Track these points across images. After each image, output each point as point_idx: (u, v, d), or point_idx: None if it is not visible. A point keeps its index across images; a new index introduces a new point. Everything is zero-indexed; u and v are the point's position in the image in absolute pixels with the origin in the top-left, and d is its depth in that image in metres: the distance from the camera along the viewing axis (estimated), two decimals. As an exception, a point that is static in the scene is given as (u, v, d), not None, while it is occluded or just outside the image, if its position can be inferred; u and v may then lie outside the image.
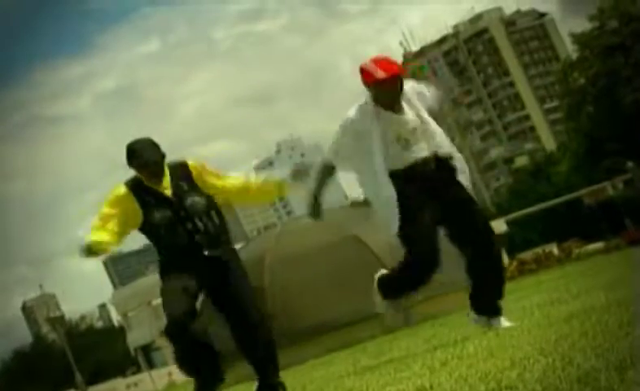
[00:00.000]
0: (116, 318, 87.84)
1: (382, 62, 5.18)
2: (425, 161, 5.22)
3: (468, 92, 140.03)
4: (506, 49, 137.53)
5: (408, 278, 5.33)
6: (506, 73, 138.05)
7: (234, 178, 5.60)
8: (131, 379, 48.95)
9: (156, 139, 5.45)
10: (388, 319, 5.58)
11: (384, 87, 5.14)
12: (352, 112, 5.27)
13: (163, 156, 5.39)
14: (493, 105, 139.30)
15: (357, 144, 5.23)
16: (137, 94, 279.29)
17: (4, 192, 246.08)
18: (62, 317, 47.42)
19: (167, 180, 5.37)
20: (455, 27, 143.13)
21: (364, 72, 5.19)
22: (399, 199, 5.14)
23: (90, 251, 5.37)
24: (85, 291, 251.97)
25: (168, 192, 5.35)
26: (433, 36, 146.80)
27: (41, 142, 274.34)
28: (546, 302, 6.76)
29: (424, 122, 5.27)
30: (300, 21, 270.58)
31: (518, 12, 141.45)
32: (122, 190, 5.39)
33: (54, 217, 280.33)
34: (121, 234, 5.42)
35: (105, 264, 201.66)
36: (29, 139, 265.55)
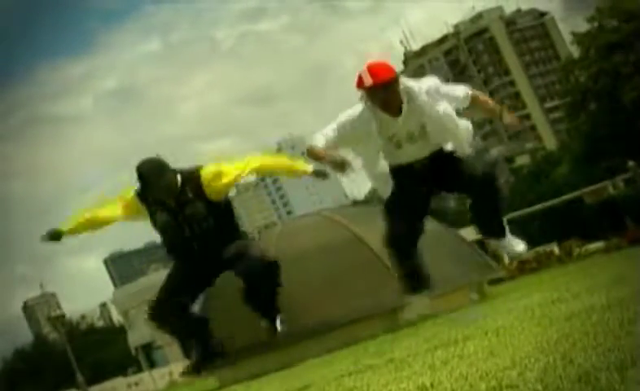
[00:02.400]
0: (116, 317, 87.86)
1: (375, 67, 5.29)
2: (417, 161, 5.48)
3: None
4: (506, 48, 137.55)
5: (391, 258, 5.93)
6: (507, 72, 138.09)
7: (254, 162, 5.85)
8: (132, 378, 49.00)
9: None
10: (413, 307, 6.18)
11: (375, 92, 5.29)
12: (353, 110, 5.45)
13: (174, 176, 5.54)
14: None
15: (356, 134, 5.44)
16: (138, 94, 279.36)
17: (5, 192, 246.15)
18: (63, 316, 47.40)
19: (175, 192, 5.60)
20: (456, 26, 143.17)
21: (358, 77, 5.33)
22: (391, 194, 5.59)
23: (52, 236, 5.79)
24: (85, 290, 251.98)
25: (172, 200, 5.48)
26: (434, 35, 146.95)
27: (42, 141, 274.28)
28: (547, 301, 6.77)
29: (427, 123, 5.39)
30: (302, 20, 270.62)
31: (518, 11, 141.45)
32: (130, 193, 5.68)
33: (55, 217, 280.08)
34: (105, 220, 5.79)
35: (106, 263, 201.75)
36: (30, 139, 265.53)
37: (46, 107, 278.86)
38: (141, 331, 55.02)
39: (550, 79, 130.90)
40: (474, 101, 5.61)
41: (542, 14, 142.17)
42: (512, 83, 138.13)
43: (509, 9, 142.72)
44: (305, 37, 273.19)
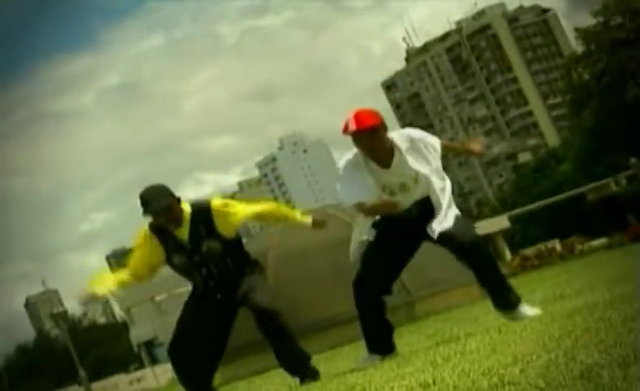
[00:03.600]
0: (118, 313, 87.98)
1: (360, 114, 5.38)
2: (409, 209, 5.50)
3: (471, 88, 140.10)
4: (509, 45, 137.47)
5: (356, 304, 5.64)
6: (509, 69, 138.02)
7: (257, 206, 5.80)
8: (134, 374, 49.08)
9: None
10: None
11: (359, 139, 5.39)
12: (345, 158, 5.57)
13: (174, 201, 5.51)
14: (496, 101, 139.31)
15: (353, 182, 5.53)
16: (141, 90, 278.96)
17: (7, 188, 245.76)
18: (65, 313, 47.39)
19: (186, 223, 5.54)
20: (458, 23, 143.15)
21: (345, 123, 5.40)
22: (373, 241, 5.58)
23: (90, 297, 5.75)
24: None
25: (185, 237, 5.54)
26: (437, 32, 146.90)
27: (44, 138, 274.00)
28: (549, 298, 6.78)
29: (417, 175, 5.46)
30: (305, 16, 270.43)
31: (521, 8, 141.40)
32: (145, 231, 5.65)
33: (57, 213, 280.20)
34: (139, 272, 5.70)
35: (108, 259, 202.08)
36: (32, 135, 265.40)
37: (48, 104, 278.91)
38: (143, 328, 55.02)
39: (552, 76, 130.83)
40: (445, 148, 5.72)
41: (545, 10, 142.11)
42: (515, 80, 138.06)
43: (511, 6, 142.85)
44: (309, 34, 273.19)
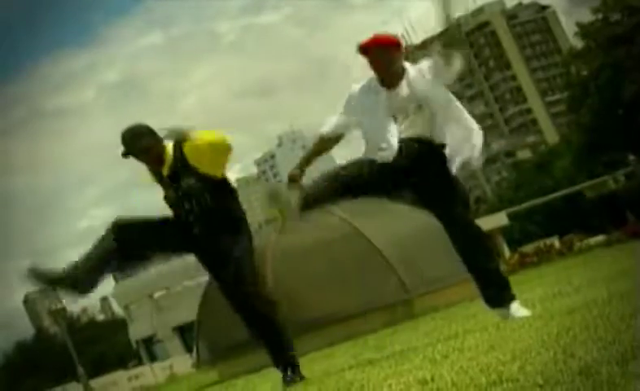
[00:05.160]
0: (117, 310, 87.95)
1: (378, 34, 5.42)
2: (408, 141, 5.38)
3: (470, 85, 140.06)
4: (507, 42, 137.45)
5: None
6: (508, 66, 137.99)
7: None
8: (133, 371, 49.03)
9: (159, 131, 5.52)
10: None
11: (374, 55, 5.35)
12: (360, 83, 5.55)
13: (155, 142, 5.49)
14: (494, 98, 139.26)
15: (363, 105, 5.47)
16: (140, 87, 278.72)
17: (7, 186, 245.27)
18: (63, 309, 47.33)
19: (168, 161, 5.55)
20: (457, 20, 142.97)
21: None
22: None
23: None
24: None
25: (166, 173, 5.57)
26: (436, 28, 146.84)
27: (43, 135, 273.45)
28: (548, 295, 6.77)
29: (422, 104, 5.41)
30: (304, 13, 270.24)
31: (519, 5, 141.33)
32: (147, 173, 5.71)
33: (56, 210, 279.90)
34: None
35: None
36: (32, 132, 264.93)
37: (48, 101, 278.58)
38: (141, 325, 55.09)
39: (551, 73, 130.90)
40: None
41: (544, 7, 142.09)
42: (513, 77, 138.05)
43: (510, 3, 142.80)
44: (307, 30, 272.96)
